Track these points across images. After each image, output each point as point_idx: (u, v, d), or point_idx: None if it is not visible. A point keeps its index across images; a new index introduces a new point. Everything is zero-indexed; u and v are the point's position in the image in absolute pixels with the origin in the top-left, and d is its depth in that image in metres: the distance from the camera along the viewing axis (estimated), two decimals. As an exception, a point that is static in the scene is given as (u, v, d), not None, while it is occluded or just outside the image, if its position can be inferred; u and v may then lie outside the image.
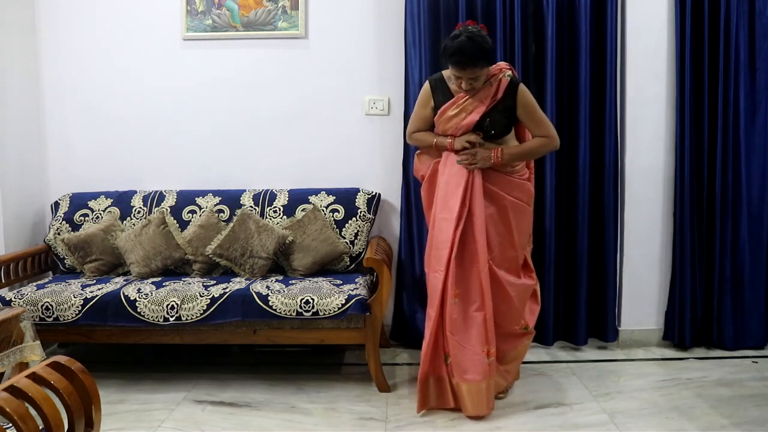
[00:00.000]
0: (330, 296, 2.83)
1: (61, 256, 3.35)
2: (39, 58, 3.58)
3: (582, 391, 2.87)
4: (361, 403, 2.78)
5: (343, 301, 2.81)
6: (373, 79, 3.51)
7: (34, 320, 2.74)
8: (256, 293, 2.86)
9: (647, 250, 3.39)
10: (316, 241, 3.20)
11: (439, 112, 2.67)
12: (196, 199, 3.43)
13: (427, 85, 2.74)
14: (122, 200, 3.46)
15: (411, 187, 3.35)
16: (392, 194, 3.50)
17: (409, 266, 3.40)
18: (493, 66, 2.63)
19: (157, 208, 3.39)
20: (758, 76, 3.29)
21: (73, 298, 2.88)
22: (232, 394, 2.88)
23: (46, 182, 3.64)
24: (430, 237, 2.69)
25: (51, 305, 2.87)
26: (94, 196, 3.49)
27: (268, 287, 2.93)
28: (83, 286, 3.02)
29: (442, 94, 2.68)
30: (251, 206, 3.37)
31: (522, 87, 2.63)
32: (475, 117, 2.61)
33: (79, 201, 3.47)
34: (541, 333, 3.35)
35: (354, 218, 3.32)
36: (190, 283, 3.03)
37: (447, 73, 2.67)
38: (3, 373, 2.41)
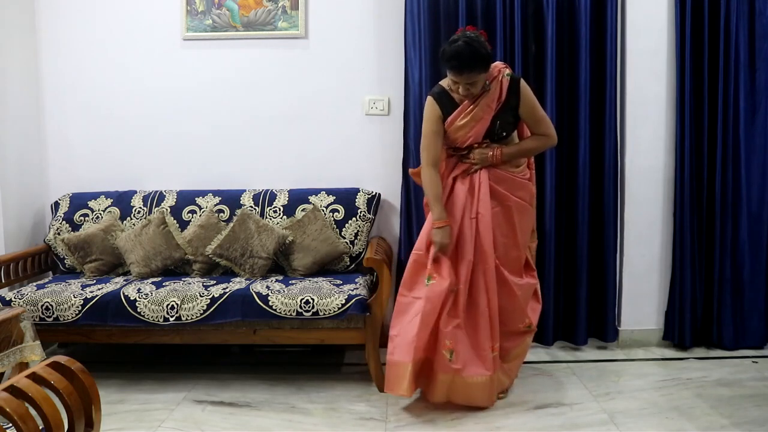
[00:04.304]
0: (330, 296, 2.83)
1: (61, 256, 3.35)
2: (39, 57, 3.58)
3: (582, 391, 2.87)
4: (361, 403, 2.78)
5: (343, 301, 2.81)
6: (373, 79, 3.51)
7: (34, 320, 2.74)
8: (256, 293, 2.86)
9: (647, 250, 3.39)
10: (316, 241, 3.20)
11: (447, 122, 2.67)
12: (196, 199, 3.43)
13: (431, 99, 2.70)
14: (122, 200, 3.46)
15: (411, 187, 3.35)
16: (392, 194, 3.50)
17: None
18: (491, 67, 2.63)
19: (157, 208, 3.39)
20: (758, 76, 3.29)
21: (73, 298, 2.88)
22: (232, 394, 2.88)
23: (46, 182, 3.64)
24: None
25: (51, 305, 2.87)
26: (94, 196, 3.49)
27: (268, 287, 2.93)
28: (83, 286, 3.02)
29: (449, 105, 2.67)
30: (251, 206, 3.37)
31: (523, 83, 2.65)
32: (485, 124, 2.63)
33: (79, 201, 3.47)
34: (541, 333, 3.35)
35: (354, 218, 3.32)
36: (190, 283, 3.03)
37: (446, 83, 2.67)
38: (3, 373, 2.41)
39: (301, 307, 2.81)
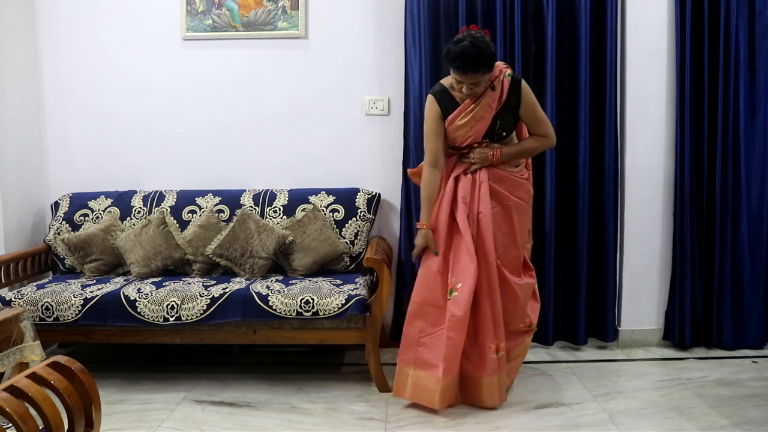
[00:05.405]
0: (330, 296, 2.83)
1: (61, 256, 3.35)
2: (39, 57, 3.58)
3: (582, 391, 2.87)
4: (361, 403, 2.78)
5: (343, 301, 2.81)
6: (373, 79, 3.51)
7: (34, 320, 2.74)
8: (256, 293, 2.86)
9: (647, 250, 3.39)
10: (316, 241, 3.20)
11: (447, 120, 2.67)
12: (196, 199, 3.43)
13: (431, 98, 2.70)
14: (122, 200, 3.46)
15: (411, 187, 3.35)
16: (392, 194, 3.50)
17: (409, 266, 3.39)
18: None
19: (157, 208, 3.39)
20: (758, 76, 3.29)
21: (73, 298, 2.88)
22: (232, 394, 2.88)
23: (46, 182, 3.64)
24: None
25: (51, 305, 2.87)
26: (94, 196, 3.49)
27: (268, 287, 2.93)
28: (83, 286, 3.01)
29: (449, 104, 2.67)
30: (251, 206, 3.37)
31: (524, 84, 2.65)
32: (485, 124, 2.63)
33: (79, 201, 3.47)
34: (541, 333, 3.35)
35: (354, 218, 3.32)
36: (190, 283, 3.03)
37: (447, 81, 2.67)
38: (3, 373, 2.41)
39: (301, 307, 2.81)
